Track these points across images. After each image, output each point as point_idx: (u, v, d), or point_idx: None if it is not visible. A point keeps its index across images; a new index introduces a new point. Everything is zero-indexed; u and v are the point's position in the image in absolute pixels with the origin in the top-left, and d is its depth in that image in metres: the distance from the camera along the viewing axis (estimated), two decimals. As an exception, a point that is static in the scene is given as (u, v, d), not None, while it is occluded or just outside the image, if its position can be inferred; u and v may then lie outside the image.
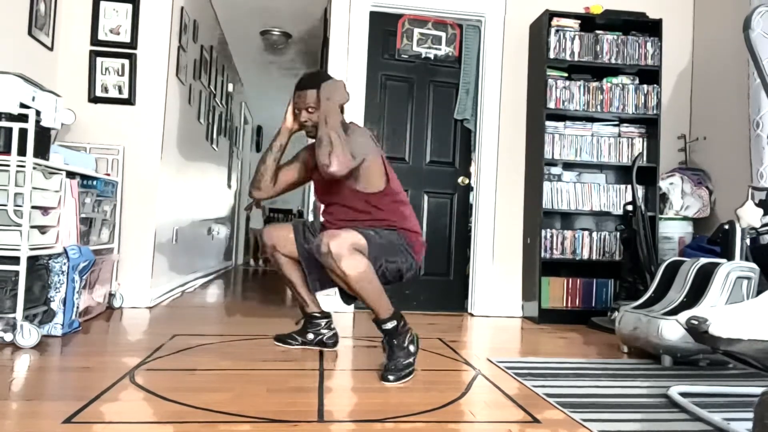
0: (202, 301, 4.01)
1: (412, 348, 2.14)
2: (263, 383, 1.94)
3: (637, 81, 3.77)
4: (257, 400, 1.75)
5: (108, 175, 3.25)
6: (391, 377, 2.01)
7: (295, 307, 3.48)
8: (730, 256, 2.57)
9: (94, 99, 3.41)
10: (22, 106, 2.36)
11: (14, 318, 2.28)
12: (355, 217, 2.31)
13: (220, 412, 1.60)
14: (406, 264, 2.27)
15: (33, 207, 2.35)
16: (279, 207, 11.05)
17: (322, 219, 2.50)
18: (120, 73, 3.43)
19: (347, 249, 2.03)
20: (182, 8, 3.85)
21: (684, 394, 1.92)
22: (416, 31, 3.92)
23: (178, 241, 4.30)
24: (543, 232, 3.62)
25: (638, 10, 3.76)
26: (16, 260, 2.28)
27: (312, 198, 3.66)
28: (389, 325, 2.13)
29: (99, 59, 3.41)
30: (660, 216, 3.69)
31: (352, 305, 3.67)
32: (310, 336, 2.54)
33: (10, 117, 2.32)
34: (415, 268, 2.33)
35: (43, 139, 2.51)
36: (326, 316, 2.57)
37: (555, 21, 3.67)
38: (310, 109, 2.33)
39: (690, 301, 2.51)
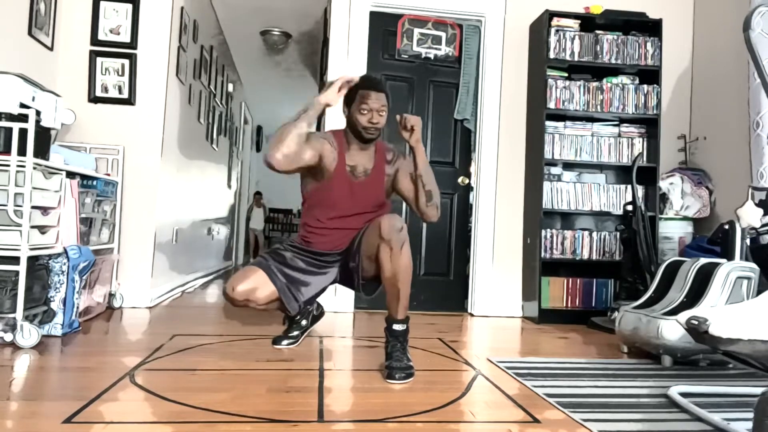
0: (202, 301, 4.01)
1: (409, 355, 2.18)
2: (263, 383, 1.94)
3: (637, 81, 3.77)
4: (257, 400, 1.75)
5: (108, 175, 3.25)
6: (397, 375, 2.02)
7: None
8: (730, 256, 2.57)
9: (94, 99, 3.41)
10: (22, 106, 2.36)
11: (14, 318, 2.28)
12: (364, 222, 2.33)
13: (220, 412, 1.60)
14: None
15: (33, 207, 2.34)
16: (279, 207, 11.05)
17: (315, 227, 2.39)
18: (120, 73, 3.43)
19: (408, 237, 2.14)
20: (182, 8, 3.85)
21: (684, 394, 1.92)
22: (416, 31, 3.92)
23: (178, 241, 4.30)
24: (543, 232, 3.62)
25: (638, 10, 3.76)
26: (16, 260, 2.28)
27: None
28: (402, 327, 2.16)
29: (99, 59, 3.41)
30: (660, 216, 3.68)
31: (352, 306, 3.68)
32: (304, 322, 2.63)
33: (10, 117, 2.32)
34: None
35: (43, 139, 2.51)
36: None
37: (555, 21, 3.67)
38: (381, 112, 2.26)
39: (690, 301, 2.51)
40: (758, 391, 1.28)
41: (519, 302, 3.85)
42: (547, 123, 3.65)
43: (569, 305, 3.69)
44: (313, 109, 2.18)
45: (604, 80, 3.74)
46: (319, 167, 2.31)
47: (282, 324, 2.71)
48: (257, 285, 2.29)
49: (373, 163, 2.37)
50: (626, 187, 3.76)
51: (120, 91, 3.43)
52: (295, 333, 2.59)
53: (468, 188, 4.02)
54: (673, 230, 3.71)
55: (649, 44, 3.71)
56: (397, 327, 2.15)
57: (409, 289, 2.15)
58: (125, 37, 3.43)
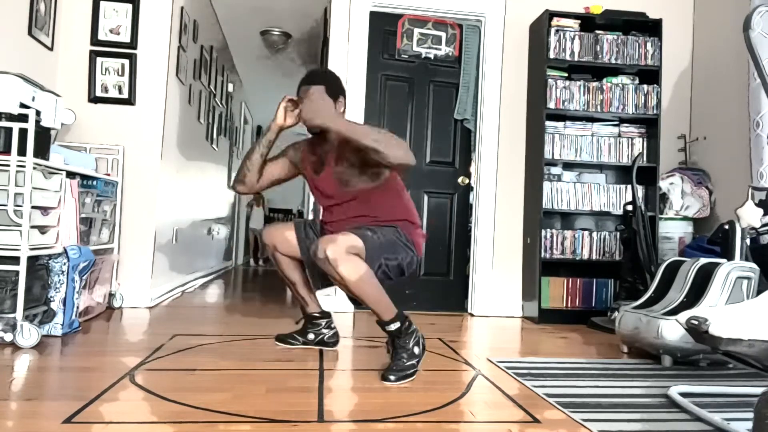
0: (202, 301, 4.01)
1: (416, 350, 2.14)
2: (263, 383, 1.94)
3: (637, 81, 3.77)
4: (257, 400, 1.75)
5: (108, 175, 3.25)
6: (392, 377, 2.01)
7: (296, 307, 3.48)
8: (730, 256, 2.57)
9: (94, 99, 3.41)
10: (22, 106, 2.36)
11: (14, 318, 2.28)
12: (359, 212, 2.29)
13: (220, 412, 1.60)
14: (407, 259, 2.25)
15: (33, 207, 2.35)
16: (279, 207, 11.05)
17: (321, 219, 2.49)
18: (120, 73, 3.43)
19: (344, 253, 2.03)
20: (182, 8, 3.85)
21: (684, 394, 1.92)
22: (416, 31, 3.92)
23: (178, 241, 4.30)
24: (543, 232, 3.62)
25: (638, 10, 3.76)
26: (16, 260, 2.28)
27: (312, 198, 3.65)
28: (393, 327, 2.13)
29: (99, 59, 3.41)
30: (660, 216, 3.68)
31: (352, 306, 3.68)
32: (311, 336, 2.55)
33: (10, 117, 2.32)
34: (416, 262, 2.31)
35: (43, 139, 2.51)
36: (326, 315, 2.57)
37: (555, 21, 3.67)
38: None
39: (690, 301, 2.51)
40: (758, 391, 1.28)
41: (519, 302, 3.85)
42: (547, 123, 3.65)
43: (569, 305, 3.69)
44: (269, 132, 2.39)
45: (604, 80, 3.74)
46: (300, 169, 2.51)
47: (295, 324, 2.69)
48: (287, 239, 2.43)
49: (331, 150, 2.37)
50: (626, 187, 3.76)
51: (120, 91, 3.43)
52: (298, 340, 2.57)
53: (468, 188, 4.02)
54: (673, 230, 3.71)
55: (649, 44, 3.71)
56: (389, 328, 2.13)
57: (375, 294, 2.09)
58: (125, 37, 3.43)
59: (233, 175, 7.35)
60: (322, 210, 2.49)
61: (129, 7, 3.43)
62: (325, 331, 2.56)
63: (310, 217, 3.82)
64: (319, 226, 2.49)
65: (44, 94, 2.53)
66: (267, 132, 2.40)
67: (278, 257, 2.45)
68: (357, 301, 2.29)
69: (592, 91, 3.69)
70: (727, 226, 2.61)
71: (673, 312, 2.46)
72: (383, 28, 3.88)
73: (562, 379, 2.15)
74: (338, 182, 2.33)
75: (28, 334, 2.27)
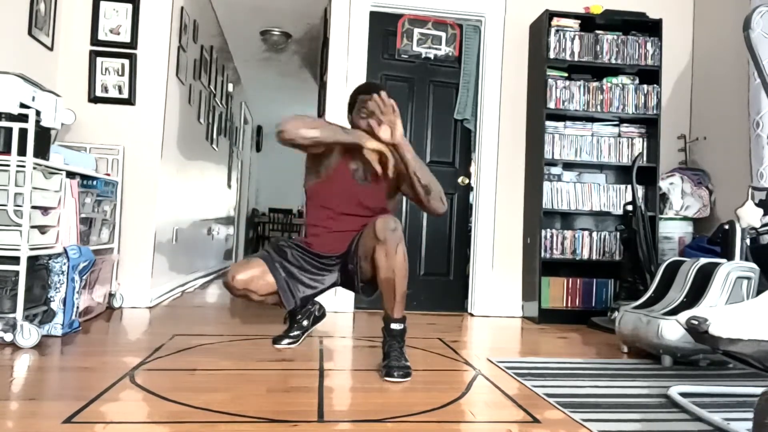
0: (202, 301, 4.01)
1: (407, 355, 2.17)
2: (263, 383, 1.94)
3: (637, 81, 3.77)
4: (257, 400, 1.75)
5: (108, 175, 3.25)
6: (395, 373, 2.02)
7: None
8: (730, 256, 2.57)
9: (94, 99, 3.41)
10: (22, 106, 2.36)
11: (14, 318, 2.28)
12: (361, 225, 2.29)
13: (220, 412, 1.60)
14: None
15: (33, 207, 2.34)
16: (279, 207, 11.05)
17: (316, 226, 2.43)
18: (120, 73, 3.43)
19: (403, 237, 2.12)
20: (182, 8, 3.85)
21: (684, 394, 1.92)
22: (416, 31, 3.92)
23: (178, 241, 4.30)
24: (543, 232, 3.62)
25: (638, 10, 3.76)
26: (16, 260, 2.28)
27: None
28: (399, 326, 2.16)
29: (99, 59, 3.41)
30: (660, 216, 3.68)
31: (352, 306, 3.68)
32: (305, 322, 2.62)
33: (10, 117, 2.32)
34: None
35: (43, 139, 2.51)
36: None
37: (555, 21, 3.67)
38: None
39: (690, 301, 2.51)
40: (758, 391, 1.28)
41: (519, 302, 3.85)
42: (547, 123, 3.65)
43: (569, 305, 3.69)
44: (348, 135, 2.23)
45: (604, 80, 3.74)
46: (323, 160, 2.36)
47: (283, 323, 2.71)
48: (257, 275, 2.28)
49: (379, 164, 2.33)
50: (626, 187, 3.75)
51: (120, 91, 3.43)
52: (296, 333, 2.59)
53: (468, 188, 4.02)
54: (673, 230, 3.71)
55: (649, 44, 3.71)
56: (394, 326, 2.15)
57: (406, 288, 2.15)
58: (125, 37, 3.43)
59: (233, 174, 7.37)
60: (323, 211, 2.40)
61: (129, 7, 3.43)
62: (312, 309, 2.65)
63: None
64: (301, 239, 2.48)
65: (44, 94, 2.53)
66: (346, 133, 2.24)
67: (251, 296, 2.30)
68: (373, 291, 2.34)
69: (592, 91, 3.69)
70: (727, 226, 2.61)
71: (673, 312, 2.46)
72: (383, 28, 3.88)
73: (562, 379, 2.15)
74: (388, 198, 2.40)
75: (28, 334, 2.27)
